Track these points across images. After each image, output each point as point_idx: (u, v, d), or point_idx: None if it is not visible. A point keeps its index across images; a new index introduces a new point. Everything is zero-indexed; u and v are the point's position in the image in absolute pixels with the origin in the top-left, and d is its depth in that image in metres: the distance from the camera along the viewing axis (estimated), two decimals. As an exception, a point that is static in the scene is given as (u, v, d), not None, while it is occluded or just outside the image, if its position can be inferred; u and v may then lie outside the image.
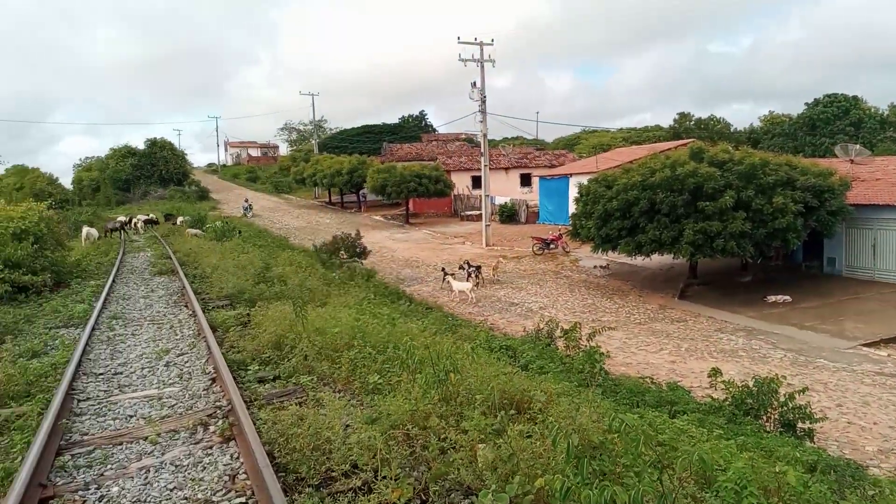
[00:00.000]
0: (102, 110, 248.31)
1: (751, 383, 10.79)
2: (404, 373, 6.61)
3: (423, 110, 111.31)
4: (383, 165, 51.63)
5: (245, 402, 6.14)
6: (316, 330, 8.10)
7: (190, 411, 6.36)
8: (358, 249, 30.03)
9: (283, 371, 7.25)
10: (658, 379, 13.09)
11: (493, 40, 40.59)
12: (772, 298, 22.96)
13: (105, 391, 7.21)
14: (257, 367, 7.53)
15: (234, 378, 6.91)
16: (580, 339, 15.49)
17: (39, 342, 9.41)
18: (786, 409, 10.35)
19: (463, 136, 79.43)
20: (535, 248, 35.01)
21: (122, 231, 32.90)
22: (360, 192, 57.59)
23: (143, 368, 8.11)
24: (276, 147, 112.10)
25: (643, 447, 3.94)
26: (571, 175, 44.29)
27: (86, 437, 5.85)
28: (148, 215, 40.72)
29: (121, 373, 7.95)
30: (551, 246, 35.09)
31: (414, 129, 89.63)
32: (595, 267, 30.38)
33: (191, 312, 11.73)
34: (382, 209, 56.81)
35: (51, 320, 11.55)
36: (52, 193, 60.07)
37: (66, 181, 72.74)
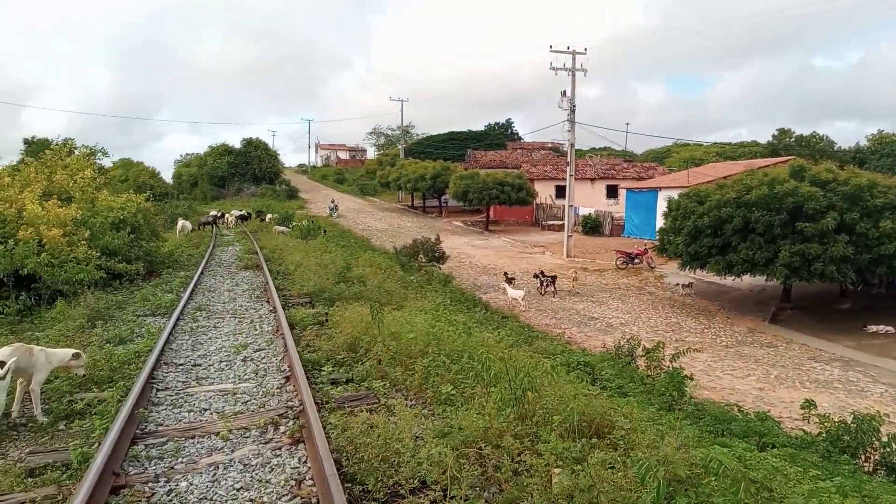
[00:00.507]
0: (205, 110, 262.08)
1: (848, 419, 9.91)
2: (478, 385, 6.36)
3: (509, 118, 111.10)
4: (466, 172, 51.62)
5: (317, 403, 6.05)
6: (391, 334, 7.97)
7: (262, 409, 6.33)
8: (437, 254, 30.05)
9: (357, 374, 7.16)
10: (745, 406, 12.30)
11: (585, 49, 39.91)
12: (873, 328, 21.35)
13: (183, 382, 7.31)
14: (331, 369, 7.48)
15: (308, 378, 6.85)
16: (663, 359, 14.86)
17: (127, 329, 9.74)
18: (889, 450, 9.45)
19: (549, 146, 78.66)
20: (618, 262, 34.04)
21: (214, 225, 34.16)
22: (443, 197, 57.81)
23: (221, 362, 8.21)
24: (364, 150, 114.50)
25: (743, 494, 3.53)
26: (661, 189, 42.91)
27: (160, 428, 5.90)
28: (241, 211, 42.20)
29: (199, 364, 8.08)
30: (636, 260, 34.03)
31: (499, 136, 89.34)
32: (678, 285, 29.21)
33: (271, 308, 11.89)
34: (463, 215, 56.84)
35: (140, 308, 11.97)
36: (154, 186, 63.43)
37: (167, 175, 76.69)
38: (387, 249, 32.88)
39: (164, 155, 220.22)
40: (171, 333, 9.50)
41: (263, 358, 8.32)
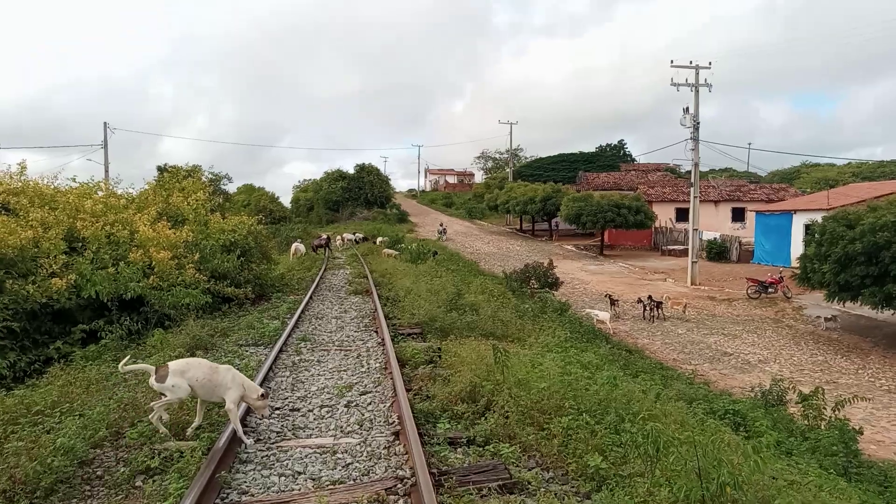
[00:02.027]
0: (322, 137, 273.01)
1: None
2: (637, 458, 4.94)
3: (622, 139, 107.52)
4: (579, 194, 49.66)
5: (432, 474, 4.81)
6: (518, 382, 6.62)
7: (366, 478, 5.12)
8: (550, 279, 28.47)
9: (479, 433, 5.83)
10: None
11: (710, 63, 37.46)
12: None
13: (278, 432, 6.28)
14: (448, 424, 6.17)
15: (421, 435, 5.63)
16: (823, 407, 12.76)
17: (227, 361, 8.94)
18: None
19: (664, 167, 75.27)
20: (749, 291, 31.06)
21: (327, 248, 34.25)
22: (553, 220, 56.02)
23: (321, 407, 7.15)
24: (472, 175, 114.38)
25: None
26: (796, 211, 39.25)
27: (244, 498, 4.83)
28: (354, 234, 42.60)
29: (298, 409, 7.04)
30: (769, 289, 30.91)
31: (611, 158, 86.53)
32: (819, 317, 26.09)
33: (380, 340, 10.86)
34: (575, 239, 54.76)
35: (243, 336, 11.30)
36: (273, 210, 65.96)
37: (286, 200, 79.65)
38: (496, 274, 31.67)
39: (284, 181, 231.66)
40: (270, 369, 8.62)
41: (369, 404, 7.18)
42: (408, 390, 7.16)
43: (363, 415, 6.77)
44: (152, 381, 6.15)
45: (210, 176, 47.96)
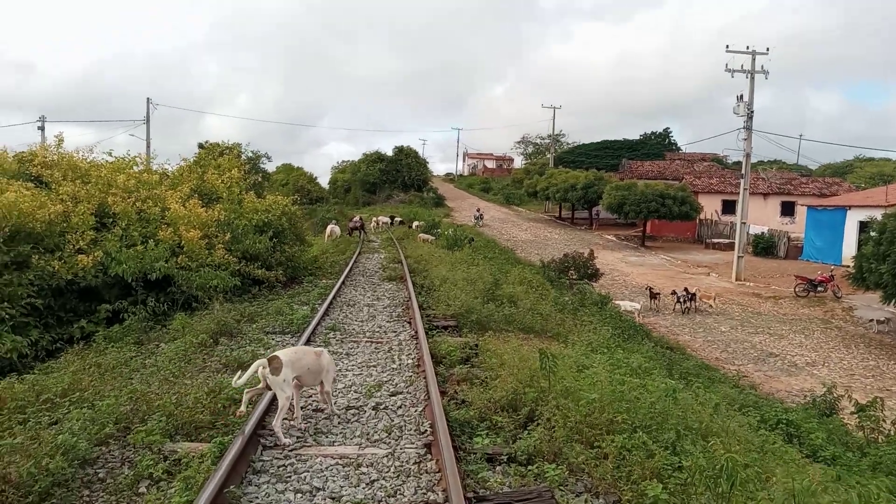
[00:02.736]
0: (362, 118, 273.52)
1: None
2: (704, 491, 4.25)
3: (667, 127, 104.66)
4: (622, 182, 48.34)
5: (469, 499, 4.18)
6: (564, 390, 5.94)
7: (392, 499, 4.49)
8: (589, 270, 27.63)
9: (521, 449, 5.15)
10: None
11: (767, 49, 35.90)
12: None
13: (298, 437, 5.69)
14: (486, 437, 5.49)
15: (456, 449, 5.01)
16: (883, 418, 11.84)
17: (250, 351, 8.44)
18: None
19: (710, 157, 73.13)
20: (797, 289, 29.78)
21: (362, 230, 33.87)
22: (594, 208, 54.76)
23: (348, 408, 6.55)
24: (511, 160, 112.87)
25: None
26: (850, 207, 37.52)
27: (253, 519, 4.28)
28: (390, 217, 42.23)
29: (322, 410, 6.45)
30: (819, 288, 29.59)
31: (656, 146, 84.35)
32: (872, 320, 24.82)
33: (413, 333, 10.22)
34: (616, 228, 53.45)
35: (270, 323, 10.76)
36: (311, 191, 65.99)
37: (324, 181, 79.68)
38: (533, 262, 30.89)
39: (323, 161, 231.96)
40: None
41: (399, 407, 6.54)
42: (442, 393, 6.50)
43: (392, 420, 6.14)
44: (266, 373, 5.78)
45: (249, 154, 47.80)
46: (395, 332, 10.46)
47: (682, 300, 25.70)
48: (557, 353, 7.45)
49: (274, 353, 6.01)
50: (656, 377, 8.40)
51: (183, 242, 12.47)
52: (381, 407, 6.61)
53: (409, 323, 11.13)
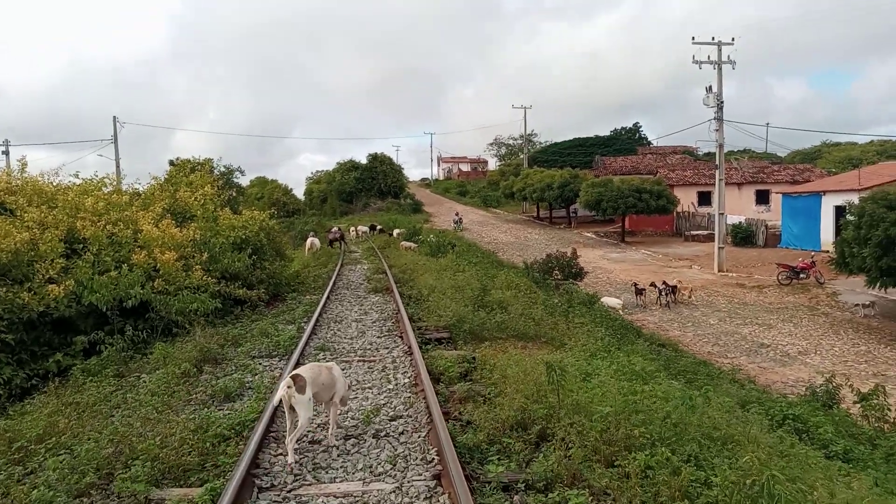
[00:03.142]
0: (334, 127, 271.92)
1: None
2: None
3: (636, 122, 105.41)
4: (598, 179, 48.34)
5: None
6: (575, 405, 5.61)
7: (404, 543, 4.14)
8: (574, 270, 27.40)
9: (538, 474, 4.76)
10: None
11: (733, 39, 36.25)
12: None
13: (296, 474, 5.29)
14: (497, 462, 5.08)
15: (468, 478, 4.63)
16: (888, 407, 11.75)
17: (237, 379, 7.96)
18: None
19: (681, 150, 73.65)
20: (780, 277, 29.85)
21: (342, 241, 33.40)
22: (571, 207, 54.73)
23: (346, 438, 6.14)
24: (486, 162, 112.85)
25: None
26: (825, 192, 37.82)
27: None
28: (371, 226, 41.92)
29: (319, 441, 6.04)
30: (801, 275, 29.66)
31: (627, 141, 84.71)
32: (857, 305, 24.95)
33: (406, 348, 9.83)
34: (594, 225, 53.48)
35: (256, 346, 10.29)
36: (287, 203, 65.27)
37: (300, 192, 78.93)
38: (516, 264, 30.62)
39: (297, 172, 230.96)
40: None
41: (402, 433, 6.15)
42: (445, 414, 6.12)
43: (395, 449, 5.74)
44: (292, 392, 5.67)
45: (222, 169, 46.98)
46: (387, 348, 10.04)
47: (662, 293, 25.80)
48: (562, 361, 7.12)
49: (295, 372, 5.98)
50: (661, 380, 8.12)
51: (158, 265, 11.92)
52: (382, 434, 6.21)
53: (401, 337, 10.73)
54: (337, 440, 6.11)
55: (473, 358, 8.37)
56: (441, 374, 7.83)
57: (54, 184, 15.36)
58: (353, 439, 6.10)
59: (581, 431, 5.11)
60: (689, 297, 26.59)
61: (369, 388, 7.72)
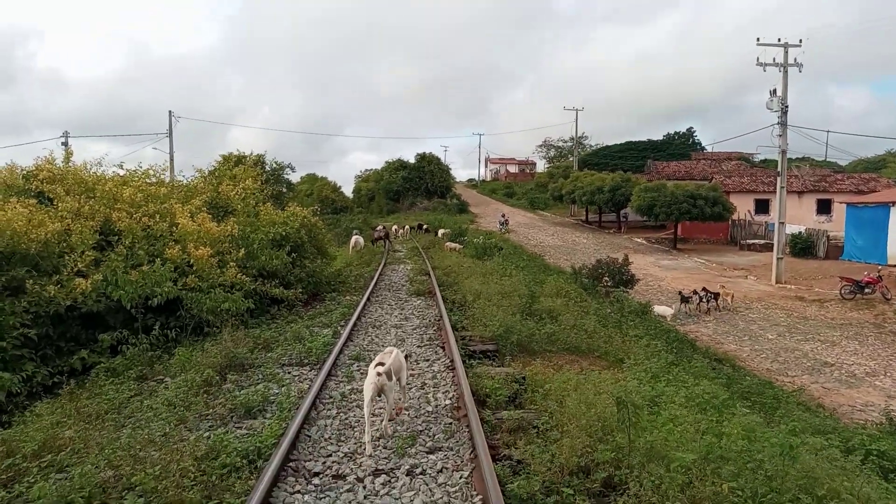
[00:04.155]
0: (384, 126, 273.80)
1: None
2: None
3: (690, 127, 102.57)
4: (651, 183, 46.71)
5: None
6: (648, 448, 4.69)
7: None
8: (625, 277, 26.21)
9: None
10: None
11: (801, 41, 34.39)
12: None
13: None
14: None
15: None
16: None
17: (262, 390, 7.26)
18: None
19: (735, 156, 71.22)
20: (843, 291, 28.03)
21: (386, 240, 32.87)
22: (622, 211, 53.18)
23: (375, 473, 5.32)
24: (534, 164, 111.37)
25: None
26: (894, 203, 35.67)
27: None
28: (418, 224, 41.47)
29: (344, 476, 5.20)
30: (866, 290, 27.82)
31: (681, 146, 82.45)
32: (928, 324, 23.25)
33: (448, 361, 8.96)
34: (645, 231, 51.80)
35: (287, 351, 9.59)
36: (335, 200, 65.40)
37: (348, 189, 79.16)
38: (563, 269, 29.56)
39: (347, 170, 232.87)
40: (313, 405, 6.83)
41: (440, 471, 5.26)
42: (491, 448, 5.25)
43: (432, 493, 4.86)
44: (383, 379, 6.12)
45: (273, 165, 46.92)
46: (427, 360, 9.19)
47: (702, 300, 25.16)
48: (626, 386, 6.22)
49: (380, 359, 6.34)
50: (735, 410, 7.15)
51: (192, 261, 11.38)
52: (418, 471, 5.34)
53: (443, 348, 9.86)
54: (365, 473, 5.31)
55: (523, 378, 7.45)
56: (487, 397, 6.94)
57: (98, 174, 15.10)
58: (383, 475, 5.25)
59: (658, 484, 4.20)
60: (731, 301, 26.02)
61: (406, 408, 6.89)
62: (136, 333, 9.97)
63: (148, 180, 15.18)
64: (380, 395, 6.21)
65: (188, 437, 5.75)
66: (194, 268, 11.37)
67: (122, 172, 15.46)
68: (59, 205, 11.63)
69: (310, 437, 6.12)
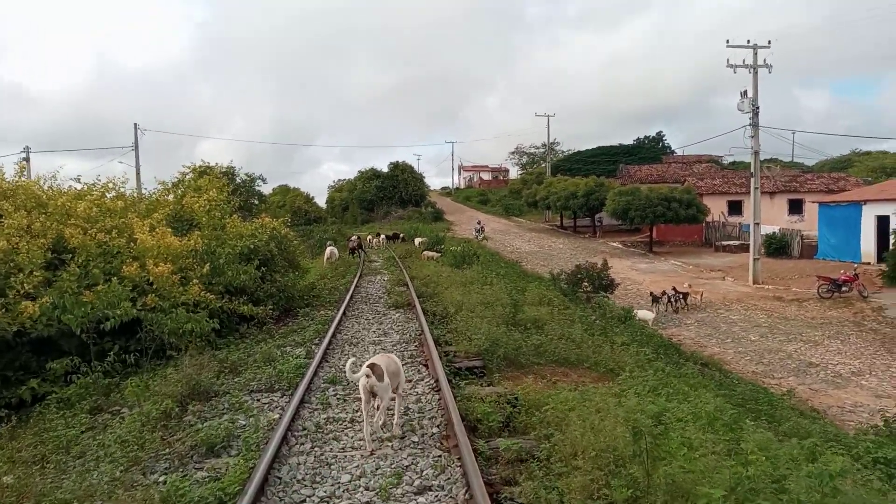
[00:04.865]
0: (356, 136, 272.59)
1: None
2: None
3: (660, 131, 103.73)
4: (625, 188, 46.69)
5: None
6: (670, 482, 4.07)
7: None
8: (605, 282, 25.84)
9: None
10: None
11: (769, 42, 34.68)
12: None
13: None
14: None
15: None
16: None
17: (226, 422, 6.53)
18: None
19: (706, 158, 71.81)
20: (821, 290, 28.09)
21: (360, 250, 32.14)
22: (596, 215, 53.11)
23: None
24: (507, 171, 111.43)
25: None
26: (865, 202, 35.93)
27: None
28: (394, 234, 41.12)
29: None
30: (843, 288, 27.89)
31: (651, 150, 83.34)
32: (911, 320, 23.26)
33: (432, 382, 8.24)
34: (620, 235, 51.78)
35: (257, 375, 8.79)
36: (308, 211, 64.50)
37: (321, 200, 78.23)
38: (541, 275, 29.11)
39: (319, 181, 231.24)
40: (284, 439, 6.07)
41: None
42: (488, 486, 4.59)
43: None
44: (373, 381, 6.22)
45: (243, 177, 45.85)
46: (409, 380, 8.44)
47: (671, 300, 25.43)
48: (598, 388, 5.64)
49: (371, 362, 6.44)
50: (745, 426, 6.62)
51: (152, 279, 10.56)
52: (406, 517, 4.61)
53: (426, 366, 9.16)
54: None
55: (516, 398, 6.78)
56: (478, 422, 6.27)
57: (54, 188, 14.21)
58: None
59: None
60: (700, 300, 26.49)
61: (388, 439, 6.21)
62: (88, 362, 9.10)
63: (108, 194, 14.34)
64: (374, 396, 6.26)
65: (141, 481, 5.00)
66: (154, 286, 10.54)
67: (78, 186, 14.60)
68: (6, 221, 10.74)
69: (280, 479, 5.36)
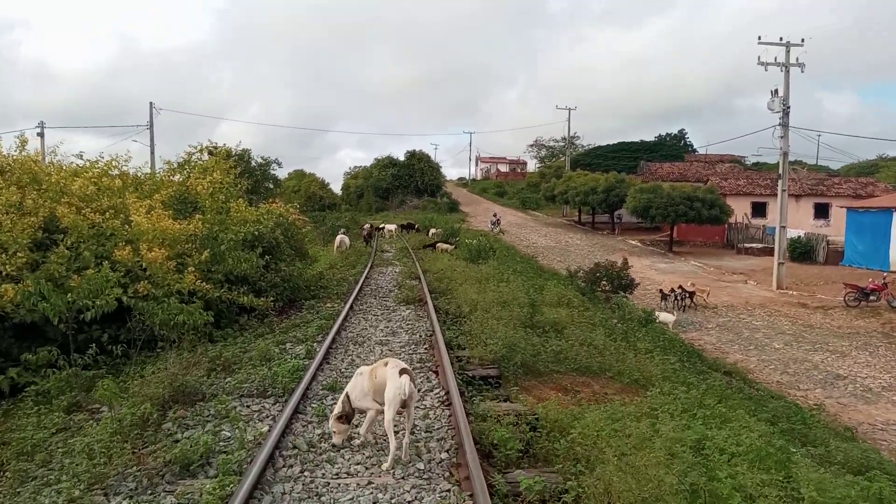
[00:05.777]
0: (374, 123, 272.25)
1: None
2: None
3: (682, 129, 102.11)
4: (647, 185, 45.55)
5: None
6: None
7: None
8: (624, 281, 24.94)
9: None
10: None
11: (803, 41, 33.56)
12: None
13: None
14: None
15: None
16: None
17: (206, 436, 5.73)
18: None
19: (728, 158, 70.44)
20: (847, 298, 27.05)
21: (372, 238, 31.44)
22: (616, 212, 52.03)
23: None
24: (525, 163, 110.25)
25: None
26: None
27: None
28: (409, 224, 40.36)
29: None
30: (871, 297, 26.84)
31: (673, 147, 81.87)
32: (941, 334, 22.24)
33: (443, 393, 7.42)
34: (639, 233, 50.69)
35: (250, 376, 8.00)
36: (323, 197, 63.86)
37: (336, 186, 77.62)
38: (557, 271, 28.25)
39: (336, 167, 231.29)
40: (270, 459, 5.26)
41: None
42: None
43: None
44: (413, 389, 5.67)
45: (258, 160, 45.14)
46: (417, 389, 7.65)
47: (678, 298, 25.09)
48: (628, 408, 4.85)
49: (402, 367, 5.81)
50: (797, 459, 5.82)
51: (145, 264, 9.85)
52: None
53: (436, 373, 8.35)
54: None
55: (536, 418, 6.00)
56: (494, 447, 5.46)
57: (53, 164, 13.57)
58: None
59: None
60: (706, 299, 26.19)
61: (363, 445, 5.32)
62: (67, 354, 8.39)
63: (112, 172, 13.67)
64: (404, 407, 5.55)
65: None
66: (148, 272, 9.84)
67: (80, 163, 13.94)
68: (-3, 199, 10.08)
69: (264, 510, 4.56)
